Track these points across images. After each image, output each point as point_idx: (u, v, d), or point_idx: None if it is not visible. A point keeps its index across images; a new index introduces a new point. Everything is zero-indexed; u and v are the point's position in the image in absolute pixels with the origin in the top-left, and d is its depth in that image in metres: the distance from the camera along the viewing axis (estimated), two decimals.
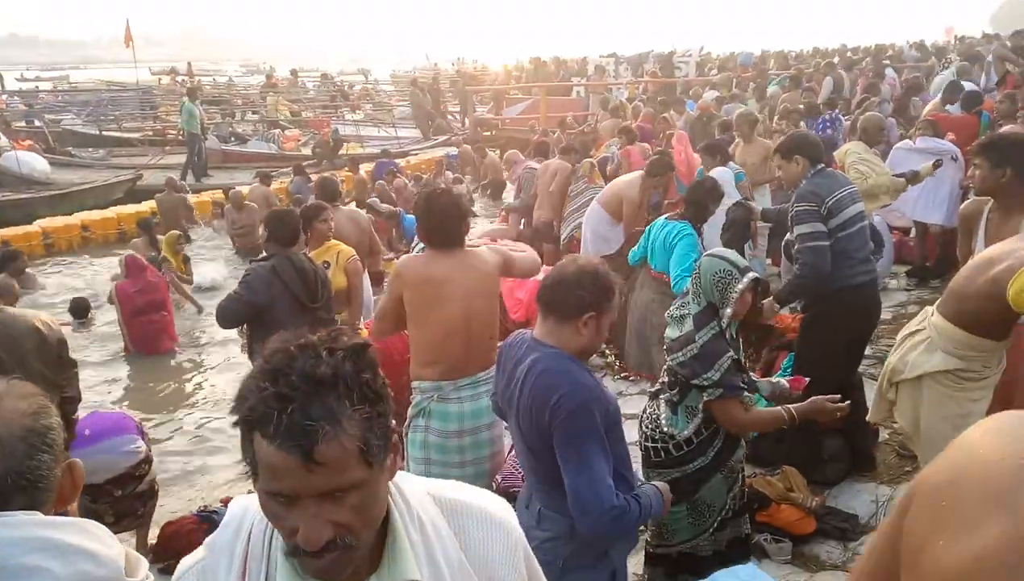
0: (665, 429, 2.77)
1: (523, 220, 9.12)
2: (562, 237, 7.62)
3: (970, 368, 2.81)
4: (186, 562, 1.17)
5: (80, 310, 8.16)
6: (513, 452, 3.28)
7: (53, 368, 3.29)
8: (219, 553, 1.13)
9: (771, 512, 3.56)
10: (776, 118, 9.67)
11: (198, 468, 5.05)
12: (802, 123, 8.55)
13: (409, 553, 1.11)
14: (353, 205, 8.66)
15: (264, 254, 4.25)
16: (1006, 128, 5.74)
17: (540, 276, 3.36)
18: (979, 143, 3.28)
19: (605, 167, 8.65)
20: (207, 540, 1.16)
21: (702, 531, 2.81)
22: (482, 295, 3.09)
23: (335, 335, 1.04)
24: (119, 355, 7.25)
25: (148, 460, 3.78)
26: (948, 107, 8.58)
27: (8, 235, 10.59)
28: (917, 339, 2.96)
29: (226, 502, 3.93)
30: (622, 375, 5.54)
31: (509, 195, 11.69)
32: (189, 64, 32.64)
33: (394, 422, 1.07)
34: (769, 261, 7.01)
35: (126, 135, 19.58)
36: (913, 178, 5.40)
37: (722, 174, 6.08)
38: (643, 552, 3.00)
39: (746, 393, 2.71)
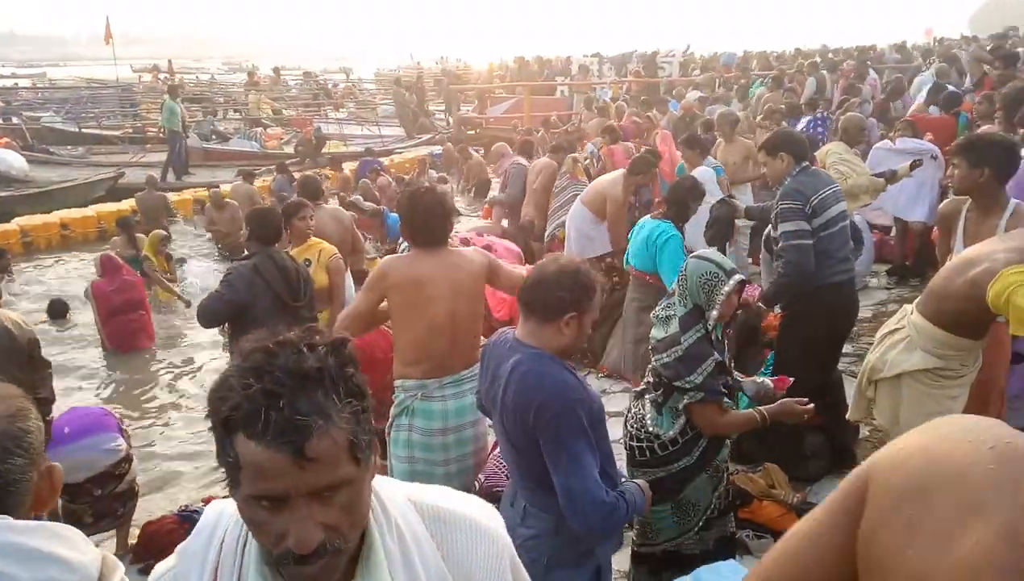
0: (650, 429, 2.78)
1: (507, 217, 9.10)
2: (545, 235, 7.63)
3: (948, 367, 2.85)
4: (159, 569, 1.14)
5: (58, 311, 8.08)
6: (496, 450, 3.28)
7: (25, 369, 3.23)
8: (191, 560, 1.10)
9: (753, 508, 3.59)
10: (759, 118, 9.73)
11: (179, 467, 5.01)
12: (784, 123, 8.60)
13: (384, 565, 1.07)
14: (336, 203, 8.62)
15: (246, 253, 4.23)
16: (984, 128, 5.81)
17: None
18: (958, 144, 3.32)
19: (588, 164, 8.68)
20: (179, 547, 1.14)
21: (687, 530, 2.82)
22: (466, 294, 3.08)
23: (311, 331, 1.02)
24: (97, 354, 7.18)
25: (128, 459, 3.75)
26: (932, 108, 8.69)
27: None
28: (896, 338, 2.99)
29: (208, 501, 3.89)
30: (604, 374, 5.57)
31: (495, 190, 11.68)
32: (170, 61, 32.30)
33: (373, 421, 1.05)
34: (750, 260, 7.06)
35: (106, 132, 19.35)
36: (891, 178, 5.46)
37: (703, 173, 6.11)
38: (628, 550, 3.02)
39: (726, 399, 2.73)
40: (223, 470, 0.99)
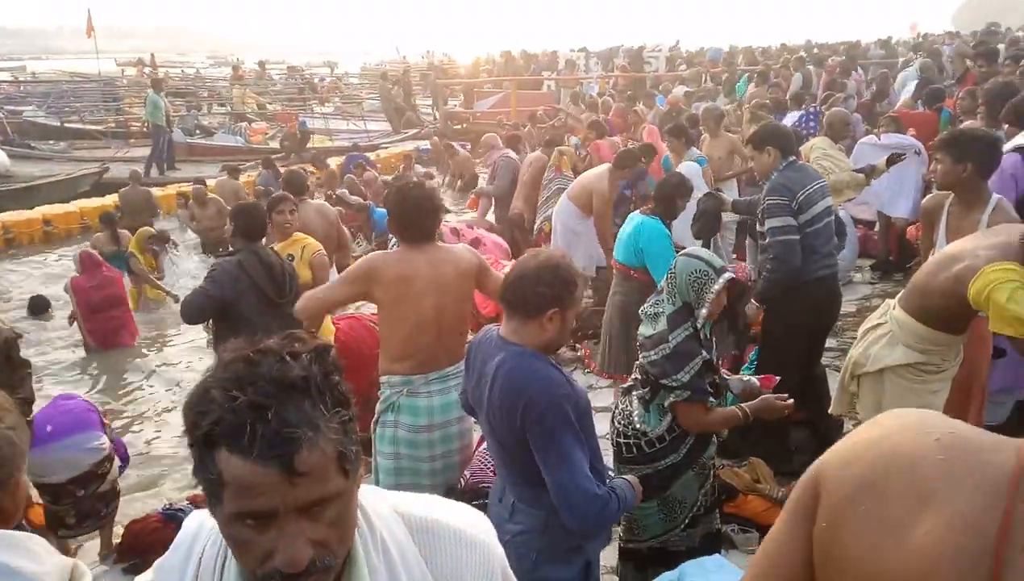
0: (638, 426, 2.79)
1: (494, 209, 9.08)
2: (534, 228, 7.64)
3: (930, 361, 2.88)
4: None
5: (39, 307, 8.00)
6: (483, 446, 3.28)
7: (3, 369, 3.18)
8: (167, 576, 1.07)
9: (738, 503, 3.61)
10: (746, 118, 9.79)
11: (164, 465, 4.98)
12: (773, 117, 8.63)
13: None
14: (322, 198, 8.58)
15: (231, 248, 4.20)
16: (966, 124, 5.85)
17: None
18: (941, 139, 3.34)
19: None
20: (156, 562, 1.11)
21: (673, 527, 2.83)
22: (454, 291, 3.07)
23: (293, 338, 0.98)
24: (79, 352, 7.12)
25: (110, 457, 3.70)
26: (919, 103, 8.75)
27: None
28: (879, 333, 3.01)
29: (193, 500, 3.89)
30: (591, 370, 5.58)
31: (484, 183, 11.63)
32: (152, 55, 32.04)
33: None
34: (735, 255, 7.09)
35: (88, 127, 19.17)
36: (871, 173, 5.50)
37: (689, 168, 6.13)
38: (615, 545, 3.02)
39: (712, 398, 2.74)
40: (201, 488, 0.95)
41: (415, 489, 3.09)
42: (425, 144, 16.89)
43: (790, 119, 8.46)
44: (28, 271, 10.09)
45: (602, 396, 5.10)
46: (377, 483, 3.20)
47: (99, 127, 19.33)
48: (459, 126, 18.72)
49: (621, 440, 2.85)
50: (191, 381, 6.25)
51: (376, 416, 3.19)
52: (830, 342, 4.81)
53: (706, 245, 5.02)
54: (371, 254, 3.13)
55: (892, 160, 5.38)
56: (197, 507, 1.17)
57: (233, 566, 1.01)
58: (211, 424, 0.89)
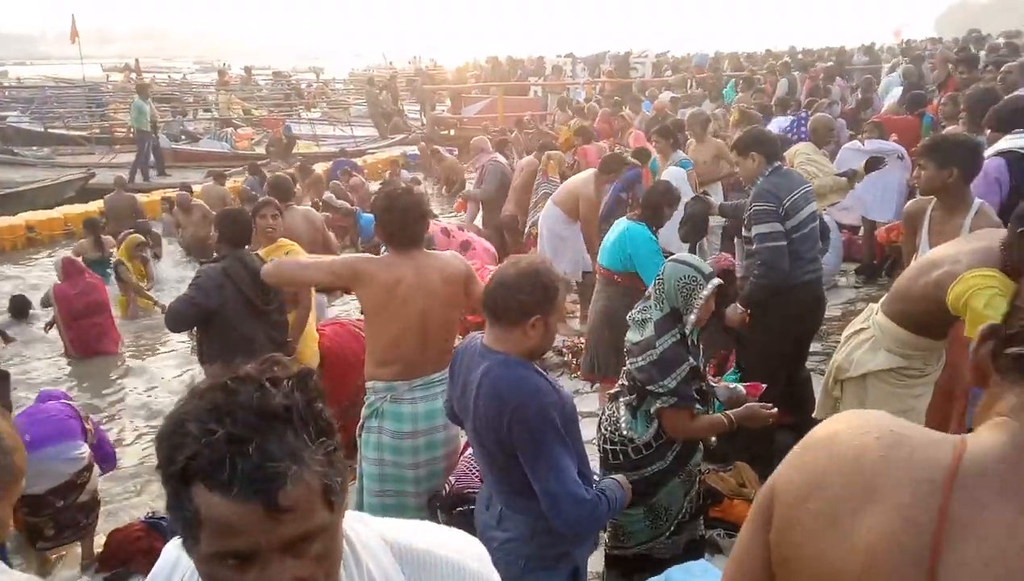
0: (624, 432, 2.79)
1: (482, 213, 9.09)
2: (525, 231, 7.65)
3: (912, 366, 2.90)
4: None
5: (20, 308, 7.90)
6: (468, 451, 3.27)
7: None
8: None
9: (724, 507, 3.61)
10: (734, 118, 9.85)
11: (146, 473, 4.93)
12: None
13: None
14: (308, 203, 8.55)
15: (215, 255, 4.17)
16: (948, 129, 5.90)
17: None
18: (924, 145, 3.35)
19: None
20: None
21: (659, 534, 2.83)
22: (440, 297, 3.05)
23: (272, 363, 0.92)
24: (60, 361, 7.04)
25: (90, 466, 3.66)
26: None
27: None
28: (862, 338, 3.03)
29: None
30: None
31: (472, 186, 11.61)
32: (137, 60, 31.85)
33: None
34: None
35: (72, 133, 19.03)
36: (853, 177, 5.54)
37: (675, 174, 6.15)
38: (602, 552, 3.02)
39: (699, 405, 2.74)
40: (175, 525, 0.89)
41: (399, 496, 3.10)
42: (413, 149, 16.87)
43: (775, 124, 8.52)
44: (10, 277, 9.99)
45: (588, 401, 5.10)
46: (361, 489, 3.19)
47: (83, 133, 19.19)
48: (447, 131, 18.73)
49: (608, 447, 2.85)
50: (174, 390, 6.23)
51: (361, 421, 3.18)
52: (815, 346, 4.84)
53: (693, 249, 5.04)
54: (360, 255, 3.10)
55: (871, 165, 5.42)
56: None
57: None
58: (187, 459, 0.84)
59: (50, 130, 18.86)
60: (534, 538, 2.27)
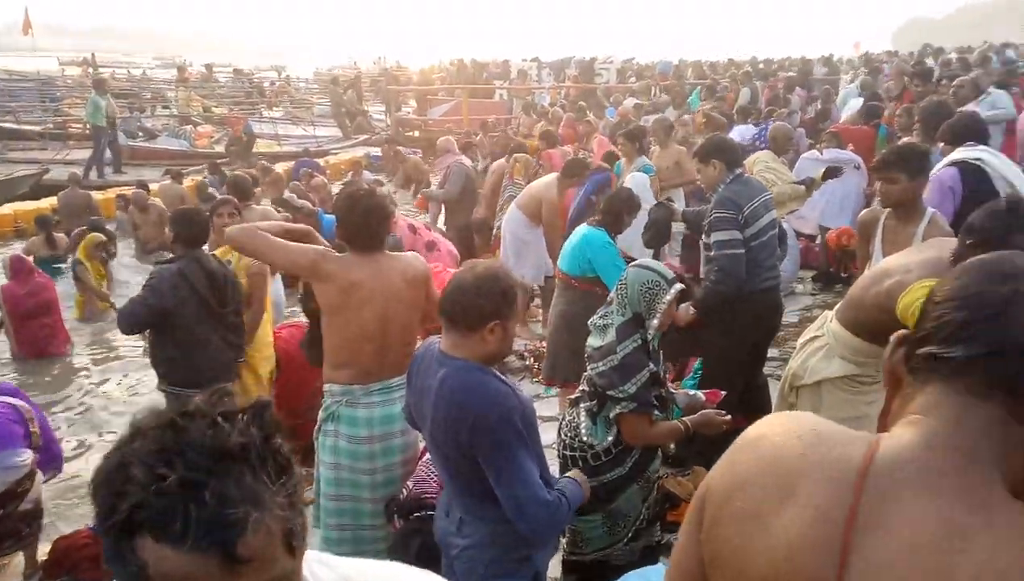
0: (584, 439, 2.79)
1: (444, 215, 9.05)
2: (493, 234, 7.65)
3: (866, 373, 2.94)
4: None
5: None
6: (426, 456, 3.24)
7: None
8: None
9: (681, 511, 3.62)
10: (699, 120, 9.99)
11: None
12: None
13: None
14: (268, 204, 8.42)
15: (170, 255, 4.09)
16: (904, 140, 6.04)
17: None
18: (896, 158, 3.36)
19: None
20: None
21: (617, 540, 2.83)
22: (401, 300, 3.00)
23: (222, 395, 0.85)
24: (7, 362, 6.82)
25: (32, 474, 3.52)
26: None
27: None
28: (816, 345, 3.07)
29: None
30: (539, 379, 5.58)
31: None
32: (93, 55, 31.17)
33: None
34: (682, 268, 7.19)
35: (24, 127, 18.49)
36: (811, 185, 5.65)
37: (638, 180, 6.19)
38: (560, 557, 3.01)
39: (658, 411, 2.75)
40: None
41: (355, 501, 3.05)
42: (376, 150, 16.75)
43: (737, 132, 8.64)
44: None
45: (548, 405, 5.10)
46: (318, 494, 3.14)
47: (36, 128, 18.67)
48: (411, 133, 18.64)
49: (567, 453, 2.85)
50: (125, 395, 6.06)
51: (318, 424, 3.13)
52: (772, 351, 4.90)
53: (657, 255, 5.08)
54: (323, 250, 3.02)
55: (828, 173, 5.53)
56: None
57: None
58: (132, 508, 0.75)
59: (1, 124, 18.33)
60: (495, 544, 2.26)
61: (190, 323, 3.85)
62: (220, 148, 16.60)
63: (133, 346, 6.84)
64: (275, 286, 5.22)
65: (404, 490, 2.96)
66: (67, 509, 4.41)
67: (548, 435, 2.82)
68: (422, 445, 3.14)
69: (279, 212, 6.85)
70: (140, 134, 17.90)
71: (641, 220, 4.82)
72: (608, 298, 2.89)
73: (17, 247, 9.34)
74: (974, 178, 3.99)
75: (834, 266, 7.46)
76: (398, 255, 3.17)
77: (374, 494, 3.04)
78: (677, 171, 7.27)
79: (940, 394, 0.91)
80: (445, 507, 2.43)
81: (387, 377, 3.02)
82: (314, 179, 11.50)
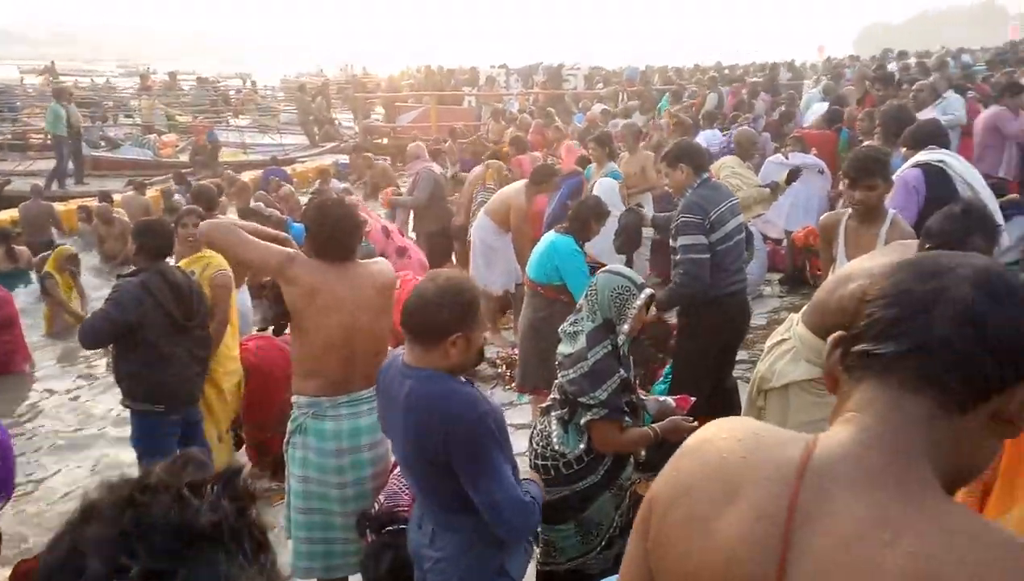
0: (556, 447, 2.77)
1: (413, 222, 9.00)
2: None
3: None
4: None
5: None
6: (397, 470, 3.21)
7: None
8: None
9: None
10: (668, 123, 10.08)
11: (55, 501, 4.65)
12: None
13: None
14: (234, 213, 8.31)
15: (133, 267, 4.01)
16: (866, 144, 6.15)
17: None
18: (875, 163, 3.38)
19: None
20: None
21: (590, 549, 2.82)
22: (370, 310, 2.97)
23: (186, 460, 0.74)
24: None
25: None
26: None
27: None
28: (783, 348, 3.10)
29: None
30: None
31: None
32: (52, 63, 30.57)
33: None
34: (650, 272, 7.22)
35: None
36: (776, 189, 5.72)
37: (606, 186, 6.22)
38: (534, 567, 3.00)
39: (628, 418, 2.75)
40: None
41: (325, 515, 3.01)
42: (344, 158, 16.62)
43: (703, 137, 8.73)
44: None
45: (521, 412, 5.09)
46: (289, 504, 3.10)
47: None
48: (380, 140, 18.56)
49: (539, 462, 2.83)
50: (91, 414, 5.90)
51: (287, 436, 3.09)
52: (741, 354, 4.94)
53: (628, 262, 5.10)
54: (293, 252, 2.97)
55: (792, 176, 5.61)
56: None
57: None
58: None
59: None
60: (467, 555, 2.24)
61: (155, 337, 3.78)
62: (185, 157, 16.35)
63: (99, 361, 6.70)
64: (241, 297, 5.15)
65: (376, 504, 2.93)
66: (32, 531, 4.31)
67: (520, 443, 2.81)
68: (393, 459, 3.12)
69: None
70: (103, 144, 17.58)
71: (611, 226, 4.84)
72: (577, 305, 2.89)
73: None
74: (937, 180, 4.08)
75: (798, 264, 7.55)
76: (368, 262, 3.13)
77: (344, 508, 2.99)
78: (643, 177, 7.33)
79: (873, 390, 0.93)
80: (418, 520, 2.41)
81: (355, 389, 2.97)
82: (282, 188, 11.38)
